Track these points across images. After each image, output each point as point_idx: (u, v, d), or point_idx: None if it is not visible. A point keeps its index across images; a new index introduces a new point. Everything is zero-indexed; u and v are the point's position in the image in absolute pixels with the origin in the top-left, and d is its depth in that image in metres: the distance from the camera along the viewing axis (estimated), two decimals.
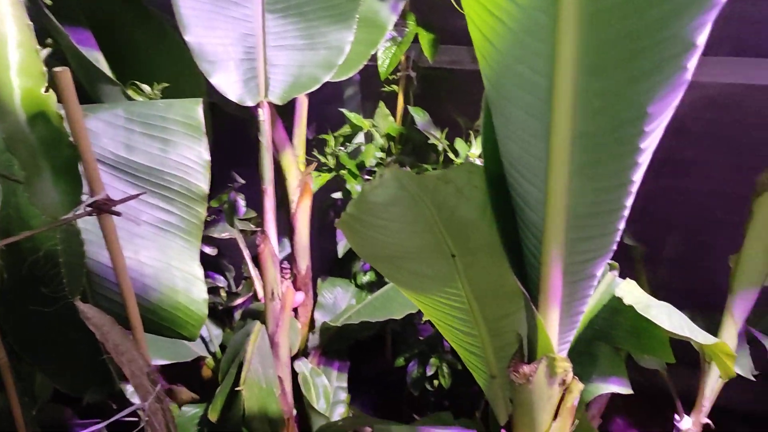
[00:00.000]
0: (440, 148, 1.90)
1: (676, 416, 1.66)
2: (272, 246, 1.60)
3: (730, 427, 2.41)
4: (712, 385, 1.59)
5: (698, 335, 1.17)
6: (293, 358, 1.88)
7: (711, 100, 2.07)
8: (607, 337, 1.32)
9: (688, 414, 1.65)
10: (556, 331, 0.90)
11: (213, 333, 1.90)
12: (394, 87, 2.10)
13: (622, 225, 0.76)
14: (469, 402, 2.14)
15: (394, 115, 2.11)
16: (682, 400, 1.72)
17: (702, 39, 0.59)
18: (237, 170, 1.98)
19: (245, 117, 1.66)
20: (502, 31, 0.67)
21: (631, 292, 1.19)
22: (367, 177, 2.09)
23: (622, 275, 1.65)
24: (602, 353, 1.31)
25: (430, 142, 1.93)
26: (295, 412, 1.82)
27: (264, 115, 1.53)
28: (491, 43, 0.70)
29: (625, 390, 1.28)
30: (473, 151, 1.78)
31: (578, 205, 0.74)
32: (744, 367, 1.61)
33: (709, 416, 1.67)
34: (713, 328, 1.66)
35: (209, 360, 1.91)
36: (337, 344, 2.01)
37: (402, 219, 0.86)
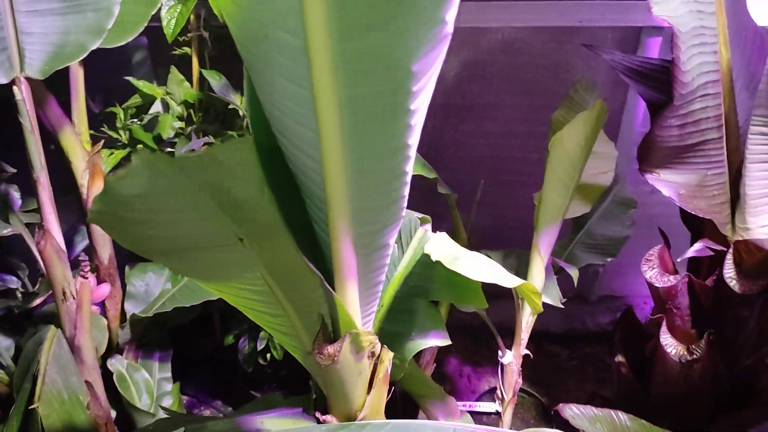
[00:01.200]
0: (242, 113, 1.77)
1: (500, 352, 1.73)
2: (56, 240, 1.41)
3: (546, 347, 2.62)
4: (527, 319, 1.67)
5: (505, 279, 1.19)
6: (105, 357, 1.71)
7: (505, 43, 2.13)
8: (425, 292, 1.32)
9: (510, 348, 1.73)
10: (357, 305, 0.86)
11: (2, 345, 1.66)
12: (187, 49, 1.92)
13: (406, 191, 0.71)
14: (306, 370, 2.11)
15: (190, 80, 1.93)
16: (504, 331, 1.79)
17: None
18: (5, 158, 1.72)
19: (5, 96, 1.43)
20: None
21: (440, 246, 1.18)
22: (169, 150, 1.92)
23: (444, 223, 1.66)
24: (420, 308, 1.31)
25: (231, 107, 1.79)
26: (115, 414, 1.67)
27: (22, 93, 1.32)
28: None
29: (444, 342, 1.29)
30: None
31: (356, 173, 0.69)
32: (554, 297, 1.71)
33: (528, 340, 1.74)
34: (524, 265, 1.74)
35: (3, 375, 1.68)
36: (156, 333, 1.86)
37: (175, 208, 0.75)
